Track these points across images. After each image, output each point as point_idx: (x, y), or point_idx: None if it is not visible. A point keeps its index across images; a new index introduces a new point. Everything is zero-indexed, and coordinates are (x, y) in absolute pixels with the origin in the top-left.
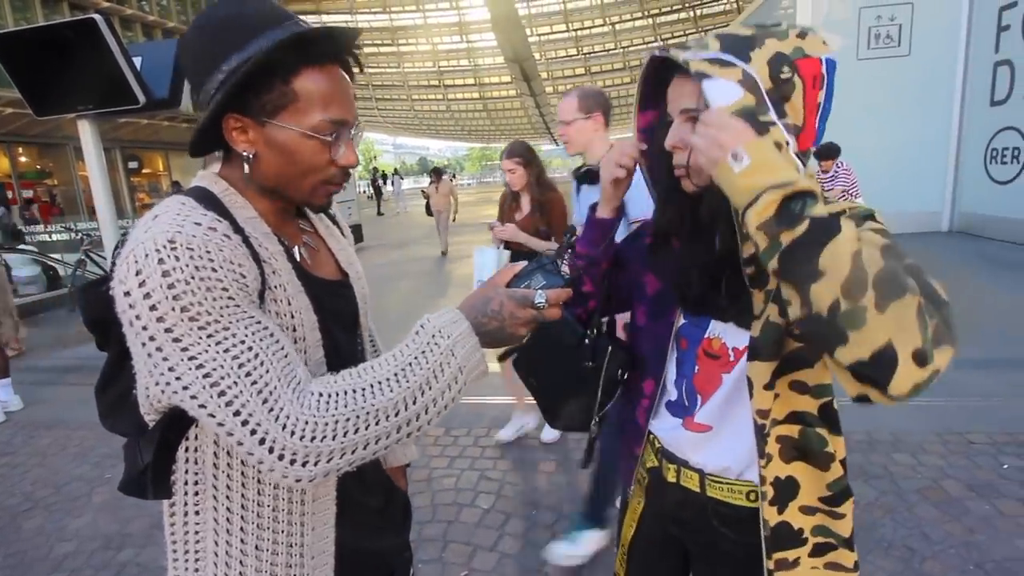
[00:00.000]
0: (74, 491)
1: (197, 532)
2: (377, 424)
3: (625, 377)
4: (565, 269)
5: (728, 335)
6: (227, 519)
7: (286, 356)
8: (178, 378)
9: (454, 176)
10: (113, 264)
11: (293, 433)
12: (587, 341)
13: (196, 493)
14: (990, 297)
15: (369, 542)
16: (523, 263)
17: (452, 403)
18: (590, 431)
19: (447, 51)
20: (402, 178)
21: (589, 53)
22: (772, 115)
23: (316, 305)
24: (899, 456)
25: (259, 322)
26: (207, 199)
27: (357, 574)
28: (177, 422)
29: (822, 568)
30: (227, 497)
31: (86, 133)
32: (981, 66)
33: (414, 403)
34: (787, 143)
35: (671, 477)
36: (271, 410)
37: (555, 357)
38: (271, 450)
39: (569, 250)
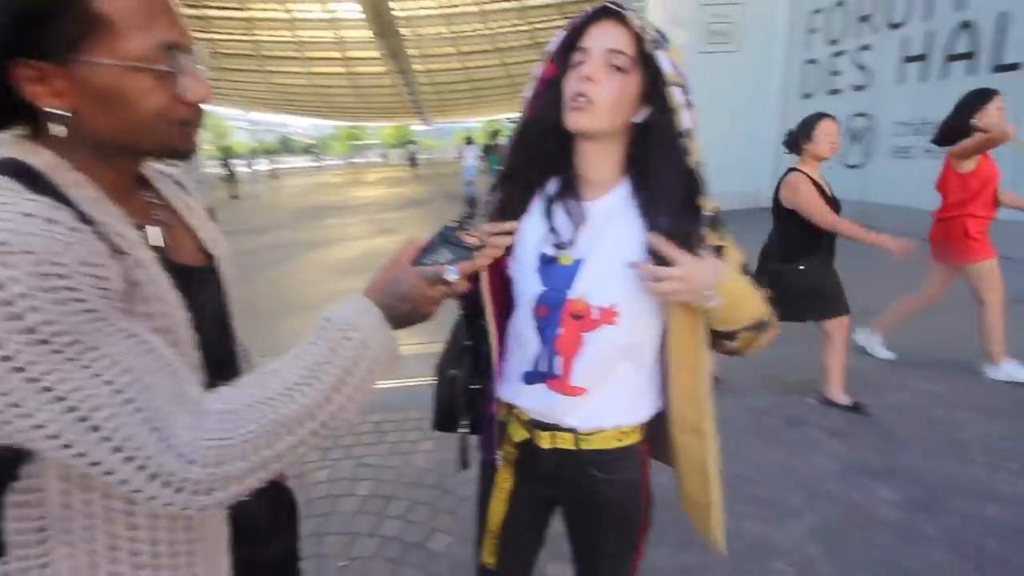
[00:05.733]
0: None
1: None
2: (291, 434)
3: (480, 388)
4: (470, 239)
5: (593, 294)
6: (90, 565)
7: (174, 372)
8: (27, 416)
9: (320, 157)
10: None
11: (194, 462)
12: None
13: (41, 542)
14: None
15: (261, 551)
16: (425, 236)
17: (368, 397)
18: (459, 436)
19: (305, 20)
20: (259, 159)
21: (459, 34)
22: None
23: (184, 299)
24: (729, 400)
25: (133, 335)
26: (29, 177)
27: None
28: (4, 463)
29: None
30: (86, 541)
31: None
32: (795, 64)
33: (329, 404)
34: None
35: (545, 444)
36: (163, 439)
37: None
38: (167, 483)
39: (471, 219)
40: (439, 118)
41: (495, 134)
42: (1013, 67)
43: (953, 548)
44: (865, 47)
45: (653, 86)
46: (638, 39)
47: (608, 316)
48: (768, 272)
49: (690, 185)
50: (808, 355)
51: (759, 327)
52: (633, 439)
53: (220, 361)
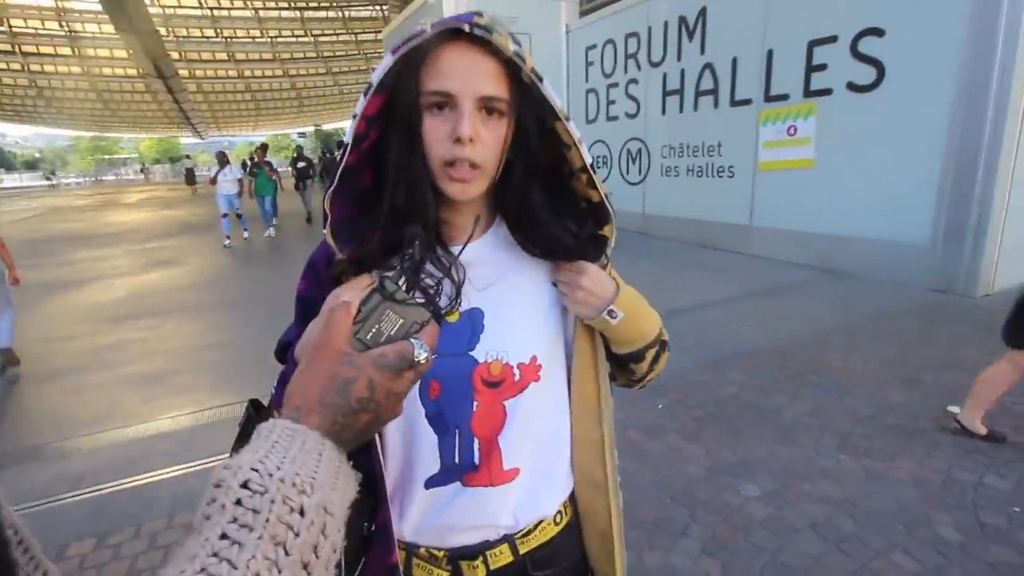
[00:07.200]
0: None
1: None
2: None
3: (373, 529)
4: (424, 287)
5: (509, 351)
6: None
7: None
8: None
9: (53, 174)
10: None
11: None
12: None
13: None
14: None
15: None
16: (352, 293)
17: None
18: None
19: (19, 6)
20: None
21: (231, 38)
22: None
23: None
24: None
25: None
26: None
27: None
28: None
29: None
30: None
31: None
32: (578, 92)
33: None
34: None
35: (480, 573)
36: None
37: None
38: None
39: (415, 260)
40: (215, 131)
41: (264, 148)
42: (746, 102)
43: (818, 534)
44: (633, 81)
45: (535, 122)
46: (509, 68)
47: (532, 372)
48: None
49: (595, 218)
50: None
51: (662, 345)
52: (569, 515)
53: None
